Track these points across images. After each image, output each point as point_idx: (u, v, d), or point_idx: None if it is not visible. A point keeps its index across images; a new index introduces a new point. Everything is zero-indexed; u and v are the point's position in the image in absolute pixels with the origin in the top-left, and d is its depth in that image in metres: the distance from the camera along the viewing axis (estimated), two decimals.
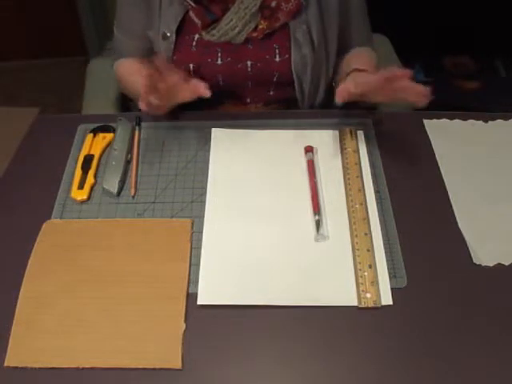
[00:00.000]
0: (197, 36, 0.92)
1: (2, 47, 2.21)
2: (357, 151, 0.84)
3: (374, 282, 0.67)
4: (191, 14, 0.89)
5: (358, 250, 0.70)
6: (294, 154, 0.84)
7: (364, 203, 0.76)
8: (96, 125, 0.89)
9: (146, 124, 0.90)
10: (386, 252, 0.71)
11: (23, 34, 2.19)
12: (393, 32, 1.29)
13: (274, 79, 0.96)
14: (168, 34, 0.92)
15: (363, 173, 0.81)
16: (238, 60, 0.94)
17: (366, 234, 0.72)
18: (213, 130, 0.88)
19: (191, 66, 0.93)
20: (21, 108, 2.05)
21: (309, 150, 0.84)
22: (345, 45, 1.00)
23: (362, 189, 0.78)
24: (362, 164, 0.82)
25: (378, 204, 0.77)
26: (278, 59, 0.93)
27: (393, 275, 0.68)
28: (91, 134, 0.87)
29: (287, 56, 0.92)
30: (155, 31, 0.94)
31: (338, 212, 0.76)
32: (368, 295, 0.66)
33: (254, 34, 0.90)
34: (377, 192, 0.78)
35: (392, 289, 0.67)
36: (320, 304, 0.66)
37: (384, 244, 0.72)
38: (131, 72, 1.00)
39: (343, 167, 0.82)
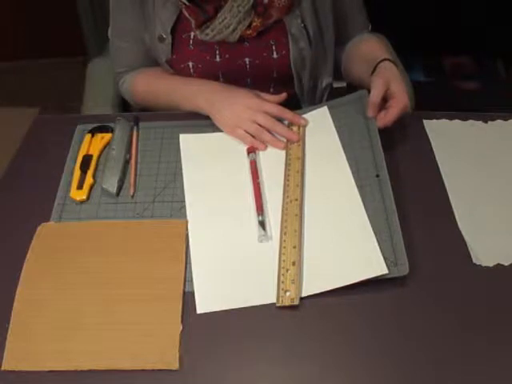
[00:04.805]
0: (193, 34, 0.92)
1: (2, 47, 2.21)
2: (301, 145, 0.82)
3: (295, 281, 0.66)
4: (185, 12, 0.89)
5: (284, 247, 0.70)
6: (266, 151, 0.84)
7: (300, 199, 0.75)
8: (94, 125, 0.89)
9: (144, 124, 0.90)
10: (386, 241, 0.69)
11: (23, 34, 2.19)
12: (393, 32, 1.28)
13: (273, 75, 0.96)
14: (164, 36, 0.92)
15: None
16: (236, 57, 0.94)
17: (295, 231, 0.71)
18: (181, 136, 0.87)
19: (190, 64, 0.93)
20: (21, 108, 2.04)
21: (251, 150, 0.83)
22: (344, 34, 1.00)
23: (300, 184, 0.77)
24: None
25: (379, 192, 0.75)
26: (275, 56, 0.93)
27: (394, 263, 0.67)
28: (89, 134, 0.87)
29: (284, 52, 0.93)
30: (151, 34, 0.94)
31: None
32: (287, 294, 0.65)
33: (248, 32, 0.90)
34: (376, 176, 0.76)
35: (393, 279, 0.66)
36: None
37: (385, 233, 0.70)
38: (158, 75, 0.98)
39: (286, 163, 0.81)
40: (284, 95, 0.89)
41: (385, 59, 0.87)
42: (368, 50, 0.97)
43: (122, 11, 0.94)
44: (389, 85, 0.82)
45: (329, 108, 0.87)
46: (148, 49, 0.97)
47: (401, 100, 0.80)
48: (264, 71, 0.95)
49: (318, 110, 0.88)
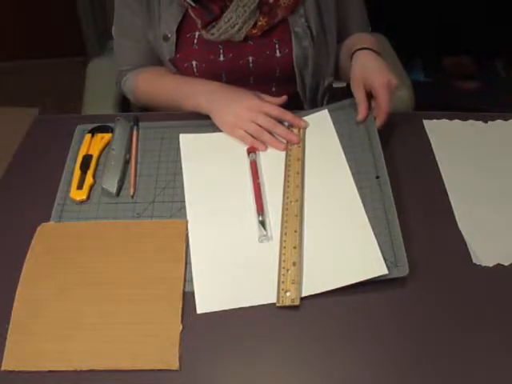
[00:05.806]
0: (197, 33, 0.92)
1: (2, 47, 2.21)
2: (302, 147, 0.83)
3: (295, 281, 0.66)
4: (191, 13, 0.89)
5: (284, 248, 0.70)
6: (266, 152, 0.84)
7: (300, 200, 0.75)
8: (94, 125, 0.89)
9: (143, 124, 0.90)
10: (386, 242, 0.69)
11: (23, 34, 2.19)
12: (393, 32, 1.29)
13: (276, 74, 0.96)
14: (169, 35, 0.92)
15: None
16: (239, 56, 0.94)
17: (295, 232, 0.71)
18: (181, 136, 0.87)
19: (194, 63, 0.93)
20: (21, 108, 2.04)
21: (251, 150, 0.83)
22: (344, 33, 1.00)
23: (300, 185, 0.77)
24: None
25: (379, 194, 0.74)
26: (278, 54, 0.93)
27: (394, 264, 0.67)
28: (89, 135, 0.87)
29: (287, 50, 0.93)
30: (155, 32, 0.94)
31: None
32: (288, 294, 0.65)
33: (254, 31, 0.90)
34: (376, 177, 0.76)
35: (393, 279, 0.66)
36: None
37: (385, 234, 0.70)
38: (160, 74, 0.99)
39: (286, 164, 0.81)
40: (285, 97, 0.89)
41: (358, 49, 0.87)
42: (351, 44, 0.96)
43: (127, 9, 0.94)
44: (364, 78, 0.82)
45: (329, 111, 0.88)
46: (151, 47, 0.97)
47: (380, 80, 0.80)
48: (267, 70, 0.95)
49: (319, 112, 0.88)
